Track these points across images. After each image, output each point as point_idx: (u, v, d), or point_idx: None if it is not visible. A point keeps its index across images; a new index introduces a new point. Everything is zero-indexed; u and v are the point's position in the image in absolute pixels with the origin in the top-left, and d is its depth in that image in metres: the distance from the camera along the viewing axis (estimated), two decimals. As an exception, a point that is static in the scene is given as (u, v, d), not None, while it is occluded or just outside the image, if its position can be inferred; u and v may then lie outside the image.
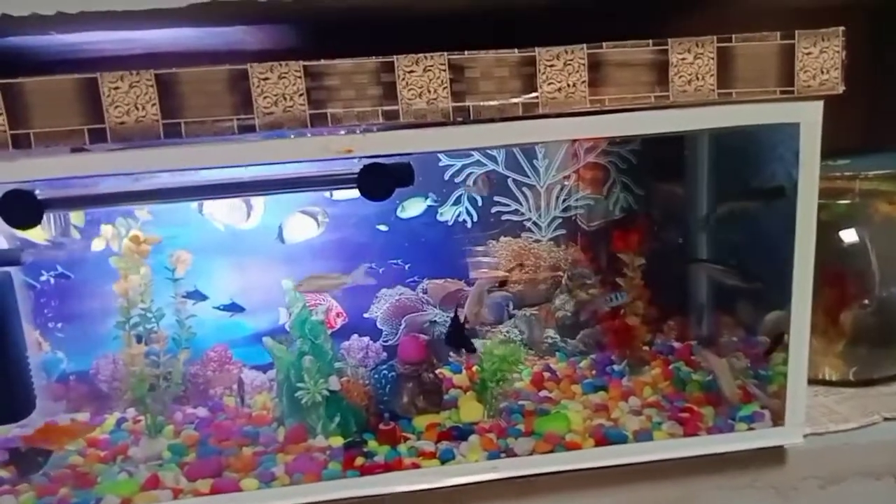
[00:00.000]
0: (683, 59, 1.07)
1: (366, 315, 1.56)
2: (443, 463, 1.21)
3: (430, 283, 1.56)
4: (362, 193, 1.06)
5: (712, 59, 1.08)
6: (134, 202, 1.20)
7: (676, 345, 1.52)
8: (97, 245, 1.32)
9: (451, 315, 1.43)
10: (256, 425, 1.37)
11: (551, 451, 1.22)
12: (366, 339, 1.54)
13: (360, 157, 1.05)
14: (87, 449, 1.32)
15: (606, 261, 1.46)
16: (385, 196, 1.07)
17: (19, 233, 1.28)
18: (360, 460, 1.22)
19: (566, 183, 1.52)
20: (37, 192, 1.02)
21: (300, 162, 1.09)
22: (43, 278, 1.41)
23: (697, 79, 1.08)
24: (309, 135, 1.02)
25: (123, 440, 1.34)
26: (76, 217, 1.38)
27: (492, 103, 1.03)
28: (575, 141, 1.47)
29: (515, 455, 1.21)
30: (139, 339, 1.33)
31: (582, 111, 1.05)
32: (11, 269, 1.15)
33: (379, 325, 1.56)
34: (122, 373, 1.35)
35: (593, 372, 1.48)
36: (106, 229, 1.31)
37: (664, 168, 1.50)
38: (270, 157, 1.04)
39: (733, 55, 1.09)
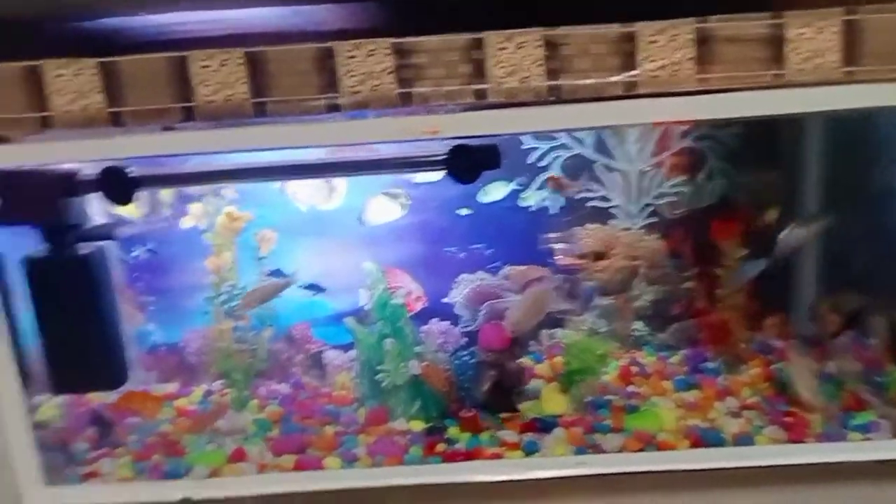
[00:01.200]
0: (802, 33, 0.97)
1: (445, 300, 1.53)
2: (527, 455, 1.17)
3: (511, 269, 1.51)
4: (450, 176, 1.02)
5: (836, 33, 0.97)
6: (221, 181, 1.22)
7: (777, 343, 1.41)
8: (186, 222, 1.35)
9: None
10: (338, 405, 1.37)
11: (642, 450, 1.16)
12: (445, 323, 1.52)
13: (447, 139, 1.01)
14: (177, 418, 1.36)
15: (702, 251, 1.37)
16: (472, 179, 1.03)
17: (114, 209, 1.33)
18: (441, 446, 1.21)
19: (660, 168, 1.43)
20: (129, 170, 1.05)
21: (386, 143, 1.07)
22: (135, 253, 1.45)
23: (818, 55, 0.97)
24: (398, 115, 1.00)
25: (210, 411, 1.37)
26: (166, 195, 1.42)
27: (587, 82, 0.97)
28: (673, 123, 1.38)
29: (603, 451, 1.16)
30: (227, 315, 1.35)
31: (687, 91, 0.97)
32: (105, 244, 1.18)
33: (458, 311, 1.53)
34: (210, 346, 1.38)
35: (685, 368, 1.40)
36: (195, 207, 1.34)
37: (770, 154, 1.39)
38: (356, 137, 1.02)
39: (861, 29, 0.98)
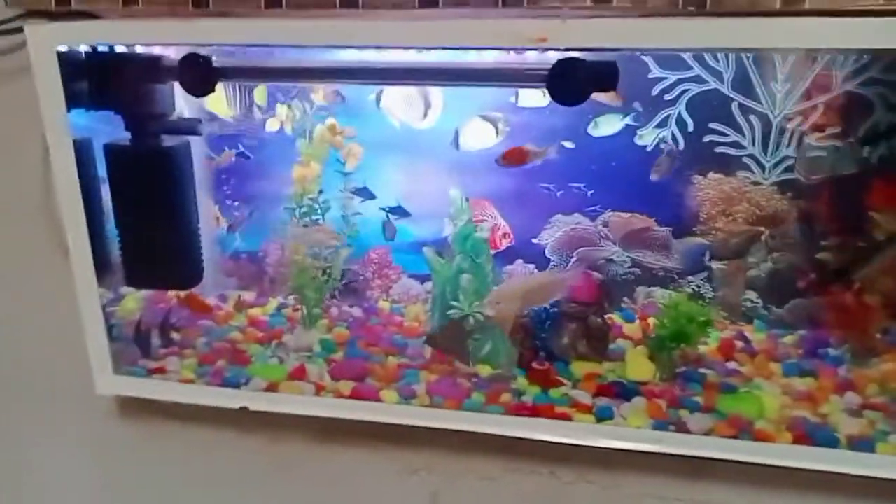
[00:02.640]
0: None
1: (535, 240, 1.40)
2: (598, 421, 1.05)
3: (613, 215, 1.35)
4: (552, 95, 0.88)
5: None
6: (308, 80, 1.14)
7: (921, 338, 1.19)
8: (271, 125, 1.29)
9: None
10: (406, 336, 1.30)
11: (734, 437, 1.01)
12: (531, 266, 1.40)
13: (557, 50, 0.86)
14: (247, 327, 1.35)
15: (849, 219, 1.15)
16: (578, 100, 0.89)
17: (206, 106, 1.29)
18: (505, 397, 1.11)
19: (811, 115, 1.20)
20: (213, 59, 0.98)
21: (485, 49, 0.93)
22: (224, 154, 1.42)
23: None
24: (500, 17, 0.86)
25: (281, 325, 1.35)
26: (259, 96, 1.36)
27: (740, -9, 0.79)
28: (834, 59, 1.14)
29: (688, 431, 1.02)
30: (306, 227, 1.30)
31: (867, 9, 0.77)
32: (191, 140, 1.14)
33: (548, 254, 1.40)
34: (288, 259, 1.34)
35: (800, 351, 1.21)
36: (281, 109, 1.27)
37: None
38: (451, 39, 0.88)
39: None
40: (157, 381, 1.18)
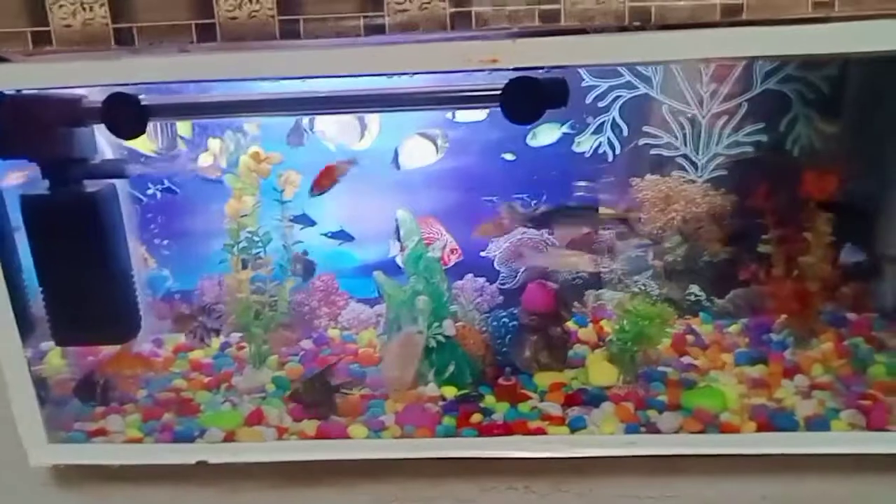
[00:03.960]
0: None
1: (483, 254, 1.40)
2: (572, 431, 1.06)
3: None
4: (506, 114, 0.87)
5: None
6: (245, 113, 1.08)
7: (851, 316, 1.27)
8: (204, 160, 1.22)
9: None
10: (363, 364, 1.26)
11: (702, 431, 1.04)
12: (481, 279, 1.40)
13: (507, 70, 0.86)
14: (190, 373, 1.26)
15: (782, 209, 1.21)
16: (534, 119, 0.88)
17: (126, 143, 1.20)
18: (476, 417, 1.10)
19: (735, 114, 1.26)
20: (141, 97, 0.91)
21: (432, 73, 0.91)
22: (150, 192, 1.33)
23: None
24: (449, 41, 0.84)
25: (227, 367, 1.27)
26: (183, 128, 1.28)
27: (680, 3, 0.81)
28: (755, 61, 1.20)
29: (658, 431, 1.05)
30: (244, 264, 1.23)
31: (800, 17, 0.80)
32: (117, 182, 1.06)
33: (496, 266, 1.40)
34: (227, 297, 1.27)
35: (746, 340, 1.26)
36: (213, 143, 1.20)
37: (868, 100, 1.21)
38: (401, 65, 0.86)
39: None
40: (99, 445, 1.09)
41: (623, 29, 0.81)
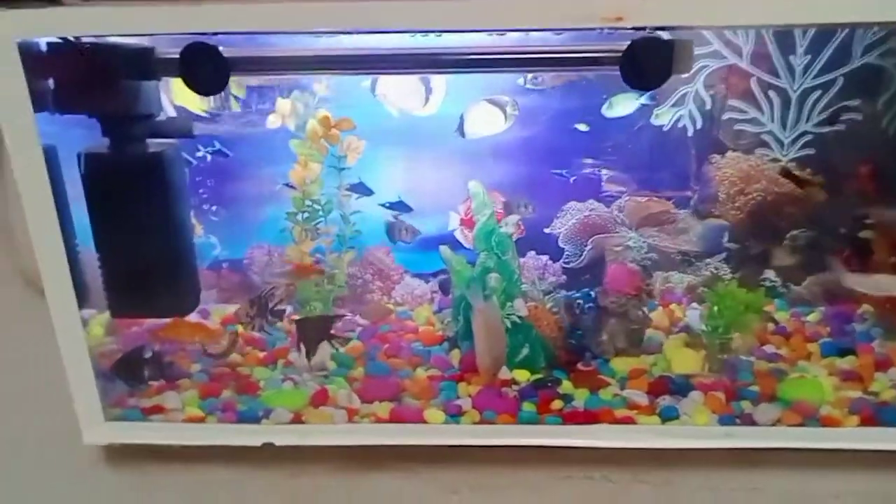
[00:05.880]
0: None
1: (547, 230, 1.33)
2: (664, 421, 1.00)
3: (629, 199, 1.30)
4: (627, 79, 0.79)
5: None
6: (328, 69, 0.99)
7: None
8: (273, 122, 1.13)
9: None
10: (425, 343, 1.20)
11: (801, 425, 0.99)
12: (545, 257, 1.33)
13: (632, 29, 0.78)
14: (244, 347, 1.20)
15: (877, 193, 1.14)
16: (658, 84, 0.80)
17: (176, 101, 1.11)
18: (557, 403, 1.04)
19: (829, 88, 1.18)
20: (221, 49, 0.82)
21: (543, 31, 0.83)
22: (199, 154, 1.25)
23: None
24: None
25: (282, 342, 1.21)
26: (236, 87, 1.20)
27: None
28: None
29: (755, 423, 0.99)
30: (308, 234, 1.16)
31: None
32: (178, 142, 0.97)
33: (561, 244, 1.33)
34: (288, 268, 1.20)
35: (828, 329, 1.20)
36: (282, 104, 1.11)
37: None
38: (507, 20, 0.78)
39: None
40: (158, 424, 1.03)
41: None
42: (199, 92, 0.87)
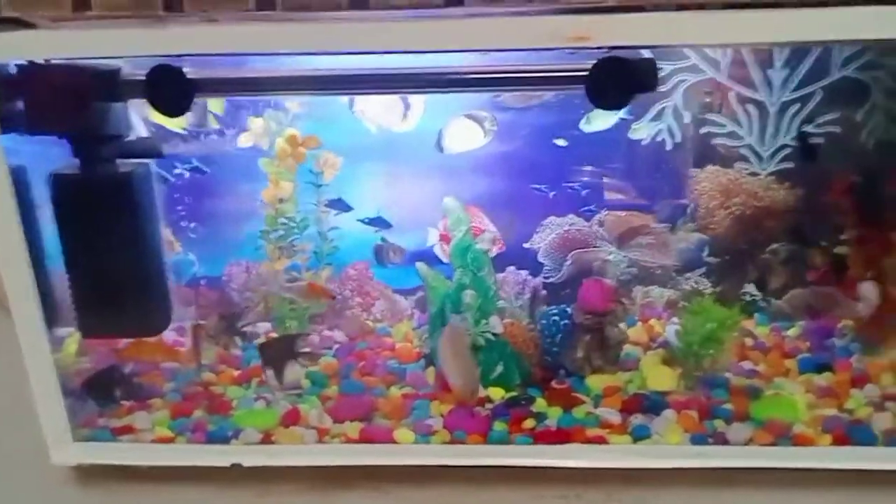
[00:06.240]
0: None
1: (526, 245, 1.33)
2: (635, 440, 0.99)
3: (609, 214, 1.30)
4: (592, 99, 0.79)
5: None
6: (295, 90, 0.99)
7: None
8: (245, 141, 1.13)
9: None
10: (402, 360, 1.20)
11: (773, 444, 0.98)
12: (524, 272, 1.32)
13: (598, 49, 0.77)
14: (218, 365, 1.19)
15: (862, 207, 1.13)
16: (622, 104, 0.80)
17: (154, 119, 1.11)
18: (529, 422, 1.03)
19: (807, 102, 1.17)
20: (185, 69, 0.82)
21: (509, 51, 0.83)
22: (177, 171, 1.25)
23: None
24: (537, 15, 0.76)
25: (256, 360, 1.20)
26: (215, 105, 1.20)
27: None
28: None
29: (727, 442, 0.98)
30: (281, 252, 1.16)
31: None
32: (148, 162, 0.97)
33: (540, 259, 1.33)
34: (257, 284, 1.20)
35: (807, 344, 1.19)
36: (255, 123, 1.11)
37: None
38: (480, 41, 0.77)
39: None
40: (127, 444, 1.02)
41: (728, 6, 0.73)
42: (164, 113, 0.87)
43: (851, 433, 0.98)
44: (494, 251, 1.26)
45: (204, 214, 1.28)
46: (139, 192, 0.94)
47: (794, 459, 0.95)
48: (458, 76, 0.83)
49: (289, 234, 1.17)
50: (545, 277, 1.32)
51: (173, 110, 0.84)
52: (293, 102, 1.12)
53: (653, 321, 1.27)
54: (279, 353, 1.07)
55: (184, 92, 0.79)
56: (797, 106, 1.18)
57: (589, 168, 1.28)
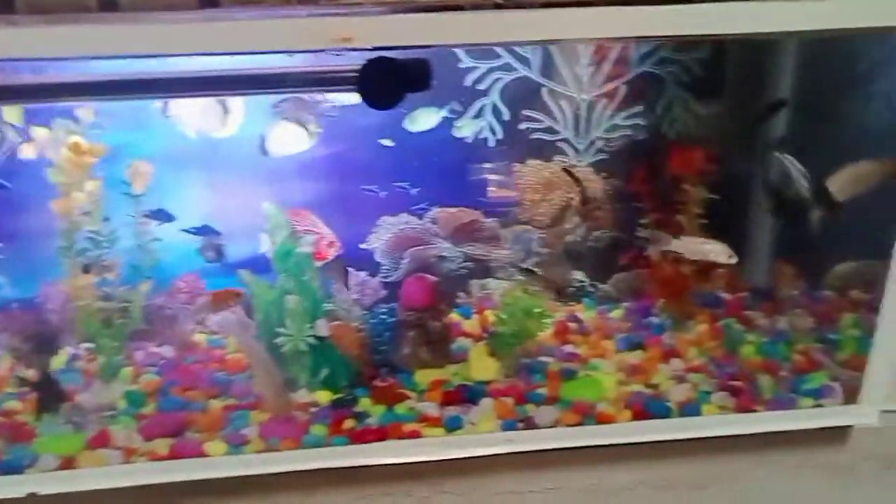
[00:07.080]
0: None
1: (363, 246, 1.32)
2: (448, 432, 1.01)
3: (440, 211, 1.32)
4: (363, 98, 0.79)
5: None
6: (78, 97, 0.94)
7: (726, 297, 1.29)
8: (26, 152, 1.06)
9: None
10: (230, 372, 1.16)
11: (579, 424, 1.02)
12: (362, 273, 1.32)
13: (363, 49, 0.78)
14: (28, 392, 1.12)
15: (660, 192, 1.20)
16: (392, 103, 0.81)
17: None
18: (349, 423, 1.03)
19: (613, 97, 1.23)
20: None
21: (284, 53, 0.82)
22: (-23, 188, 1.16)
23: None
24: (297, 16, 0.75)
25: (74, 383, 1.13)
26: (12, 114, 1.12)
27: (540, -20, 0.76)
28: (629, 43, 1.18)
29: (535, 426, 1.02)
30: (86, 268, 1.10)
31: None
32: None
33: (378, 258, 1.33)
34: (71, 305, 1.13)
35: (628, 324, 1.26)
36: (39, 133, 1.05)
37: (738, 82, 1.22)
38: (244, 44, 0.76)
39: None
40: None
41: (498, 6, 0.75)
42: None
43: (649, 407, 1.03)
44: (332, 254, 1.25)
45: (10, 233, 1.19)
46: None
47: (595, 437, 0.99)
48: (228, 77, 0.82)
49: (94, 249, 1.10)
50: (383, 277, 1.32)
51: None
52: (86, 110, 1.06)
53: (487, 312, 1.30)
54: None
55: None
56: (605, 100, 1.24)
57: (417, 166, 1.29)
